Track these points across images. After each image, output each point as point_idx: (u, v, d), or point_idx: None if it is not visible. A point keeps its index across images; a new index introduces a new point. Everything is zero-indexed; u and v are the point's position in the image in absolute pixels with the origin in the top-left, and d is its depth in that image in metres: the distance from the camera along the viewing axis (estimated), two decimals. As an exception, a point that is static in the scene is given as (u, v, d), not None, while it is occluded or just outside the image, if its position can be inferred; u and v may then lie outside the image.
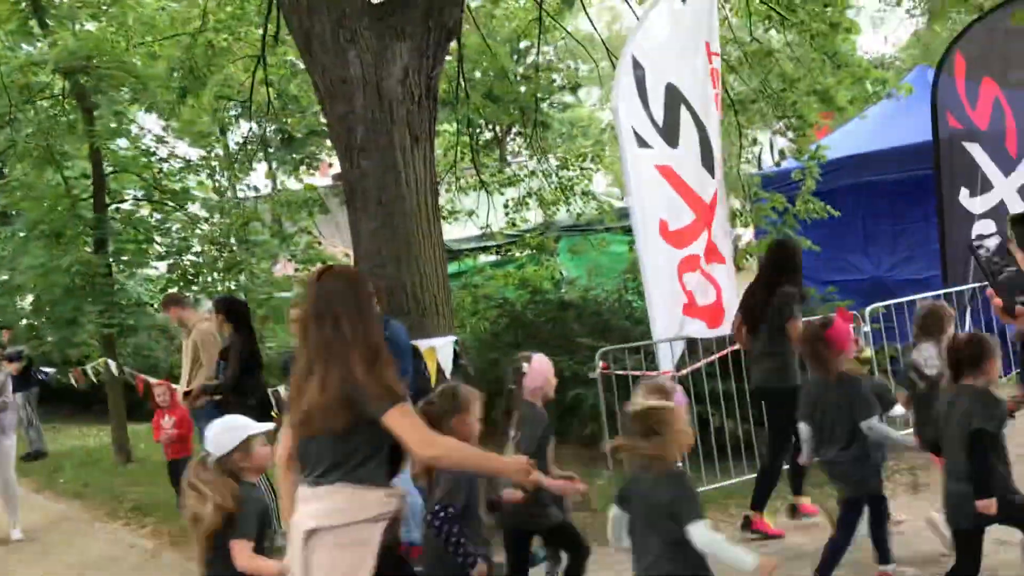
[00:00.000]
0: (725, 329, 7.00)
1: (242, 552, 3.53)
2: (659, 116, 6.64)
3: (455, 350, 6.55)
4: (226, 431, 3.71)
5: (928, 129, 10.80)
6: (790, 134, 9.30)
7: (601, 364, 6.60)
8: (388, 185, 6.41)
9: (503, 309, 10.21)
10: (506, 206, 11.24)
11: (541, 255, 11.03)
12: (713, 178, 7.01)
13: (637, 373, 6.89)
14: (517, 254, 11.46)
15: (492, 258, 12.92)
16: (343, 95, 6.46)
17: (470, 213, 11.07)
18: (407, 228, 6.41)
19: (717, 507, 6.70)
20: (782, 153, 9.53)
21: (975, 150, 8.36)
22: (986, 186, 8.42)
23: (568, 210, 11.11)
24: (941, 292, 7.77)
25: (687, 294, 6.74)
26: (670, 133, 6.68)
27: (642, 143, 6.60)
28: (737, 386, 7.75)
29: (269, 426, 3.87)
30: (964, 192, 8.34)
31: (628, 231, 12.65)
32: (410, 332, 6.03)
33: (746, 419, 7.61)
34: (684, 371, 7.06)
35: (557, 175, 10.82)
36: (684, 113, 6.72)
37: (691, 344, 7.14)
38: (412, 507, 5.93)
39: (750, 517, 5.86)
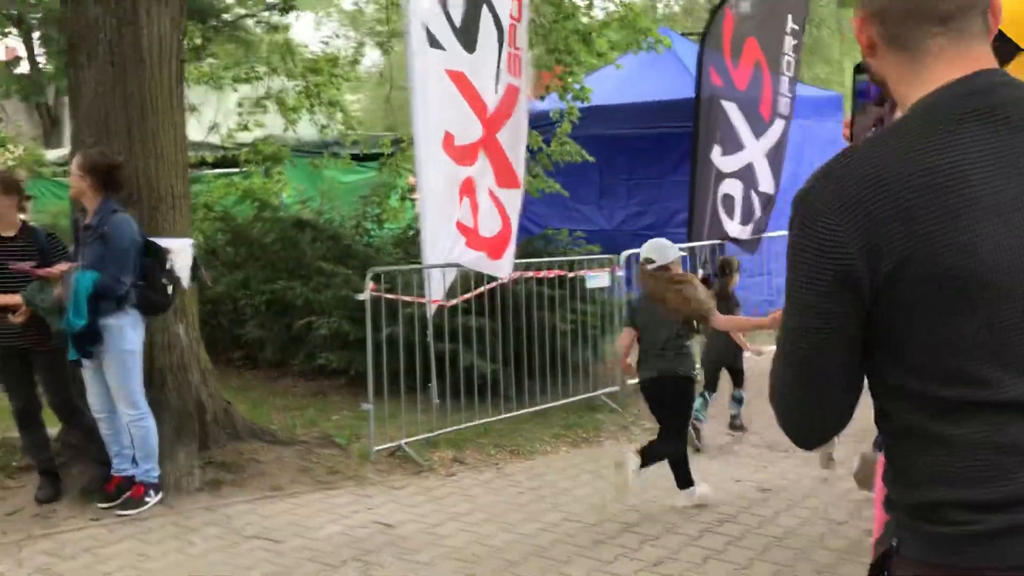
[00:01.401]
0: (503, 267, 6.50)
1: (715, 318, 4.46)
2: (457, 15, 5.89)
3: (194, 257, 5.43)
4: (670, 247, 4.79)
5: (673, 88, 10.92)
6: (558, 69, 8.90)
7: (371, 285, 5.77)
8: (124, 40, 5.09)
9: (225, 223, 8.92)
10: (240, 106, 9.83)
11: (273, 167, 9.75)
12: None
13: (408, 298, 6.16)
14: (246, 164, 10.02)
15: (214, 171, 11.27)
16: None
17: (193, 109, 9.54)
18: (144, 95, 5.16)
19: (473, 446, 6.41)
20: (547, 89, 9.14)
21: (731, 109, 8.40)
22: (737, 146, 8.53)
23: (312, 119, 9.93)
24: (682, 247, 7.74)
25: (468, 225, 6.11)
26: (467, 36, 5.95)
27: (434, 43, 5.82)
28: (490, 325, 7.30)
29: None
30: (716, 150, 8.37)
31: (364, 158, 11.72)
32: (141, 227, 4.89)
33: (495, 359, 7.21)
34: (453, 302, 6.46)
35: (304, 77, 9.57)
36: (485, 15, 6.02)
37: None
38: (141, 437, 4.87)
39: None
